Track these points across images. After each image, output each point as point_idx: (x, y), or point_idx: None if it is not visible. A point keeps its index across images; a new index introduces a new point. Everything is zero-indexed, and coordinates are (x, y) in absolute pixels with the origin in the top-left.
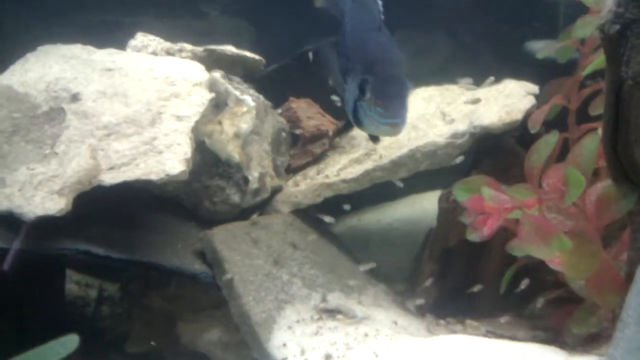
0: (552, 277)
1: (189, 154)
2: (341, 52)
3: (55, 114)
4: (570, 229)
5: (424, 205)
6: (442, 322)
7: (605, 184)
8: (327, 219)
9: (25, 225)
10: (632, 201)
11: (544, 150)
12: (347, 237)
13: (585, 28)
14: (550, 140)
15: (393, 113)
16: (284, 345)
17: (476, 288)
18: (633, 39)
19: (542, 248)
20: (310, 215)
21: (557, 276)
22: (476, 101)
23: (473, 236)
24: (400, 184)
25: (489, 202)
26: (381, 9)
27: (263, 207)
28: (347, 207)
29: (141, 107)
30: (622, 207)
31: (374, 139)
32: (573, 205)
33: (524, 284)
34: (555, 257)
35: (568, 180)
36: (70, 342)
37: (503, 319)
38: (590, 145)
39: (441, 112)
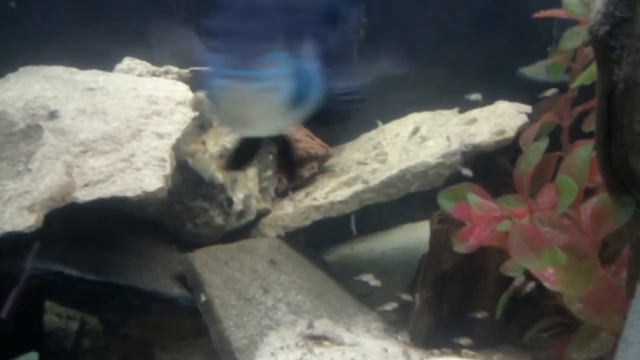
0: (552, 302)
1: (168, 171)
2: None
3: (32, 132)
4: (564, 244)
5: (419, 234)
6: (436, 351)
7: (601, 197)
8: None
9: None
10: (630, 212)
11: (533, 157)
12: (339, 265)
13: (574, 39)
14: (540, 148)
15: (221, 62)
16: None
17: (479, 314)
18: (623, 38)
19: (534, 259)
20: (297, 239)
21: (557, 300)
22: (472, 121)
23: (460, 248)
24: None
25: (476, 209)
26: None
27: (249, 230)
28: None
29: (120, 124)
30: (620, 219)
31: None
32: (567, 219)
33: (530, 287)
34: (550, 275)
35: (560, 188)
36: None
37: (502, 348)
38: (583, 154)
39: (433, 134)
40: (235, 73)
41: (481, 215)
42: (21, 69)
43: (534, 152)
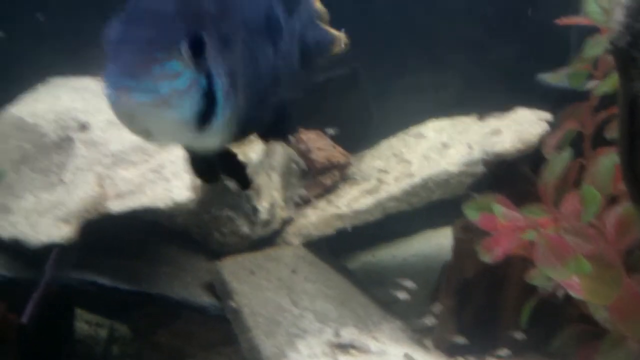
0: (576, 309)
1: (197, 182)
2: None
3: (64, 143)
4: (589, 253)
5: (440, 241)
6: (460, 359)
7: (625, 206)
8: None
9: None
10: None
11: (558, 167)
12: (361, 272)
13: (596, 47)
14: (564, 157)
15: (111, 71)
16: None
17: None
18: None
19: (559, 269)
20: (319, 246)
21: (581, 309)
22: (495, 130)
23: (486, 257)
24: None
25: (502, 219)
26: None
27: (273, 239)
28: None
29: None
30: None
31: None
32: (592, 228)
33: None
34: (575, 284)
35: (584, 197)
36: None
37: (526, 356)
38: (607, 163)
39: (453, 141)
40: (122, 83)
41: (507, 225)
42: (50, 81)
43: (558, 162)
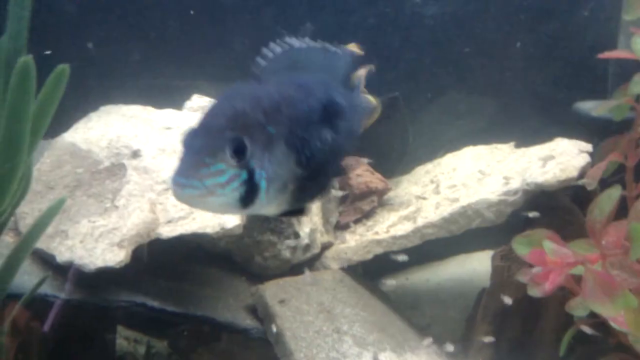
0: (614, 339)
1: None
2: None
3: (117, 170)
4: (635, 287)
5: (474, 265)
6: None
7: None
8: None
9: (70, 277)
10: None
11: (607, 205)
12: (395, 296)
13: None
14: (613, 195)
15: (175, 170)
16: None
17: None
18: None
19: (607, 305)
20: (355, 270)
21: (620, 338)
22: (537, 162)
23: (534, 291)
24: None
25: (551, 255)
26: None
27: (312, 263)
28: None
29: None
30: None
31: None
32: (637, 263)
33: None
34: (619, 316)
35: (632, 235)
36: None
37: None
38: None
39: (492, 169)
40: (177, 180)
41: (556, 261)
42: (101, 108)
43: (607, 200)
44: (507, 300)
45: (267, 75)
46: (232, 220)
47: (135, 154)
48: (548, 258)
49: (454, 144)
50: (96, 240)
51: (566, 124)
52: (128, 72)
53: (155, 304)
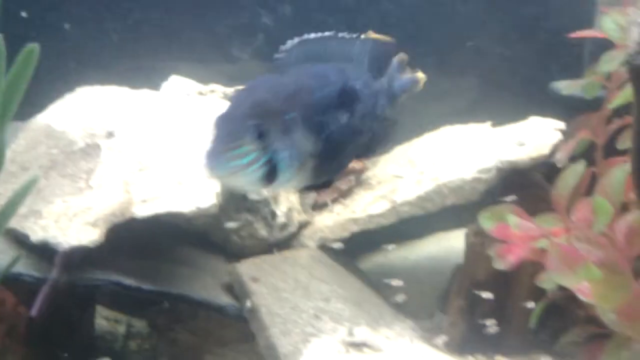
0: (584, 311)
1: (219, 188)
2: None
3: (91, 150)
4: (599, 259)
5: (451, 243)
6: (470, 358)
7: (635, 215)
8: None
9: (58, 257)
10: None
11: (571, 179)
12: (373, 273)
13: (611, 63)
14: (578, 169)
15: (205, 153)
16: None
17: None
18: None
19: (570, 276)
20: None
21: (589, 311)
22: (511, 140)
23: (499, 265)
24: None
25: (515, 229)
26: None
27: (290, 241)
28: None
29: (173, 143)
30: None
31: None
32: (603, 236)
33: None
34: (584, 288)
35: (596, 208)
36: None
37: (533, 355)
38: (619, 175)
39: (467, 148)
40: (207, 162)
41: (520, 235)
42: (78, 90)
43: (572, 175)
44: (487, 295)
45: (286, 67)
46: (207, 200)
47: (110, 135)
48: (512, 232)
49: (435, 125)
50: (70, 220)
51: (545, 103)
52: (107, 54)
53: (131, 282)
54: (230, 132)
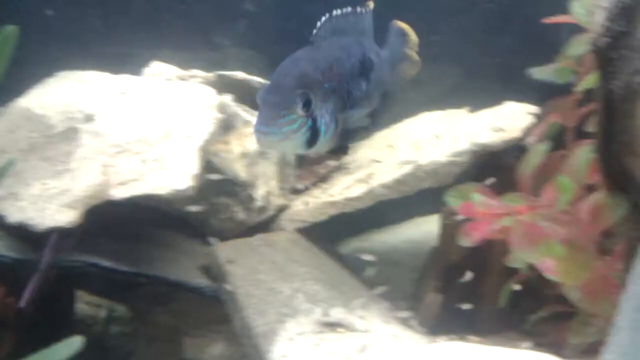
0: (553, 291)
1: (196, 170)
2: None
3: (70, 134)
4: (563, 237)
5: (429, 227)
6: (443, 337)
7: (599, 194)
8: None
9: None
10: (625, 209)
11: (534, 159)
12: (352, 257)
13: (579, 47)
14: (540, 149)
15: (259, 121)
16: (284, 356)
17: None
18: (622, 50)
19: (532, 253)
20: (314, 232)
21: (557, 289)
22: (485, 124)
23: (464, 242)
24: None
25: (479, 207)
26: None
27: (269, 225)
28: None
29: (151, 126)
30: (615, 216)
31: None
32: (567, 214)
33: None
34: (549, 265)
35: (559, 187)
36: (75, 343)
37: (505, 334)
38: (584, 155)
39: (444, 133)
40: (261, 129)
41: (484, 212)
42: (58, 74)
43: (535, 155)
44: (469, 275)
45: (318, 40)
46: (184, 182)
47: (89, 118)
48: (477, 210)
49: (415, 111)
50: (47, 202)
51: (523, 89)
52: (89, 39)
53: (107, 264)
54: (280, 102)
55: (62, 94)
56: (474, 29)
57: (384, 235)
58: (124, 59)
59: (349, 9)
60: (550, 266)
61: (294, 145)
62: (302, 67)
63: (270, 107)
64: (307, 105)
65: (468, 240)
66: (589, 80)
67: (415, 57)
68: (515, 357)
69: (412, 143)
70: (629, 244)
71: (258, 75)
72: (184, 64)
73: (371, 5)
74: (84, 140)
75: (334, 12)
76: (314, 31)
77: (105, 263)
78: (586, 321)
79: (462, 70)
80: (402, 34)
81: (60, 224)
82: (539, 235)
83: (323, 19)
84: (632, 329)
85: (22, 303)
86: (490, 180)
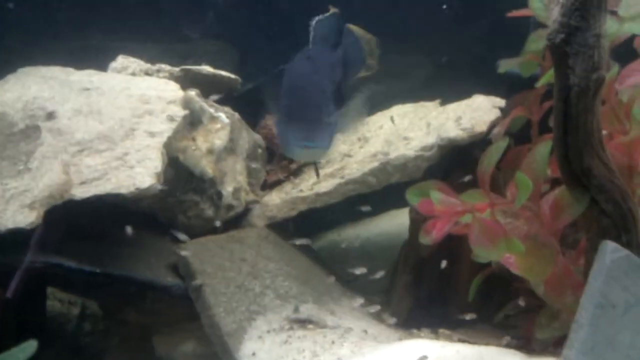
0: (522, 285)
1: (159, 168)
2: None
3: (31, 132)
4: (525, 233)
5: (402, 221)
6: (415, 331)
7: (560, 189)
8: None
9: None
10: (585, 204)
11: (494, 156)
12: (326, 251)
13: (538, 42)
14: (500, 146)
15: (308, 136)
16: (253, 354)
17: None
18: (577, 45)
19: (491, 249)
20: (286, 227)
21: (527, 284)
22: (452, 118)
23: (424, 239)
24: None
25: (438, 205)
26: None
27: (239, 221)
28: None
29: (114, 123)
30: (575, 211)
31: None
32: (529, 211)
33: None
34: (512, 261)
35: (518, 184)
36: (29, 347)
37: (477, 327)
38: (543, 151)
39: (414, 127)
40: (306, 144)
41: (443, 210)
42: (20, 70)
43: (495, 151)
44: (443, 264)
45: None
46: (147, 181)
47: (50, 116)
48: (435, 207)
49: (389, 104)
50: (7, 202)
51: (496, 81)
52: (53, 33)
53: (72, 264)
54: (313, 118)
55: (24, 91)
56: (446, 21)
57: (359, 228)
58: (90, 52)
59: (329, 13)
60: (513, 262)
61: (326, 152)
62: (322, 83)
63: (313, 121)
64: (327, 119)
65: (428, 238)
66: (550, 75)
67: (371, 60)
68: (478, 352)
69: (383, 137)
70: (589, 239)
71: (229, 69)
72: (152, 56)
73: (331, 9)
74: (45, 138)
75: (318, 17)
76: (311, 37)
77: (70, 263)
78: (551, 316)
79: (436, 63)
80: (356, 37)
81: (21, 225)
82: (498, 232)
83: (314, 24)
84: (592, 325)
85: (9, 294)
86: (468, 177)
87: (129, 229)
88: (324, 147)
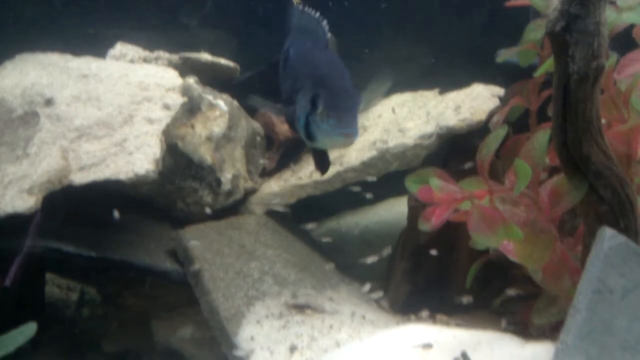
0: (519, 271)
1: (157, 155)
2: (286, 73)
3: (30, 118)
4: (524, 220)
5: (401, 208)
6: (413, 317)
7: (559, 177)
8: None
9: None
10: (583, 192)
11: (493, 144)
12: (324, 238)
13: (536, 31)
14: (499, 134)
15: (346, 123)
16: (252, 338)
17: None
18: (577, 34)
19: (490, 236)
20: (285, 214)
21: (524, 270)
22: (452, 107)
23: (424, 226)
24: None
25: (438, 192)
26: (326, 29)
27: (237, 208)
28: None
29: (113, 110)
30: (574, 198)
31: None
32: (527, 198)
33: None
34: (510, 248)
35: (517, 172)
36: (29, 329)
37: (475, 314)
38: (542, 139)
39: (412, 115)
40: (345, 131)
41: (443, 197)
42: (18, 56)
43: (494, 139)
44: (433, 252)
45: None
46: (144, 167)
47: (49, 102)
48: (435, 195)
49: (390, 93)
50: (6, 188)
51: (494, 69)
52: (52, 20)
53: (70, 249)
54: (352, 106)
55: (22, 77)
56: (447, 10)
57: (358, 216)
58: (89, 39)
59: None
60: (511, 249)
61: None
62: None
63: (350, 109)
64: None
65: (427, 225)
66: (548, 64)
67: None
68: (476, 337)
69: (382, 125)
70: (587, 226)
71: (228, 57)
72: (151, 45)
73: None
74: (44, 124)
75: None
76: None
77: (68, 248)
78: (549, 302)
79: (436, 52)
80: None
81: (19, 210)
82: (497, 219)
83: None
84: (589, 310)
85: (7, 282)
86: (468, 164)
87: (116, 214)
88: (357, 133)
